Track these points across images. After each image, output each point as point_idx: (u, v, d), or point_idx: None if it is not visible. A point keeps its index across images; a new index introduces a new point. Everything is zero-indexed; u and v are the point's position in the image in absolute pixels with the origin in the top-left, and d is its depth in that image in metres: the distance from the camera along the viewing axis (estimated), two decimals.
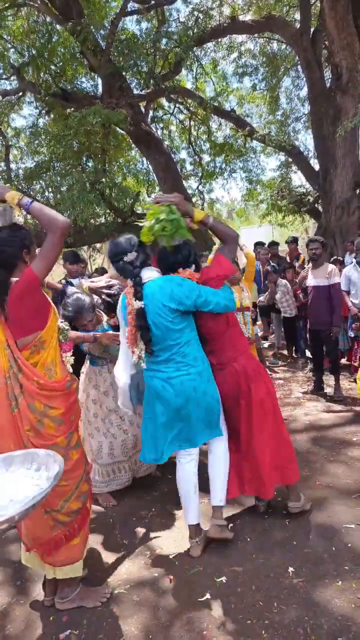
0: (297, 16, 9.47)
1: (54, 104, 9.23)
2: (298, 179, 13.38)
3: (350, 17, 7.41)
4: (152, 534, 2.65)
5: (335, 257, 6.82)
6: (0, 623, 2.05)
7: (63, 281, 4.80)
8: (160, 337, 2.24)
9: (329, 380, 5.09)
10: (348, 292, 5.12)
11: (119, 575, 2.33)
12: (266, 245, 7.58)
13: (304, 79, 9.47)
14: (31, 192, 9.34)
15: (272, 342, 7.53)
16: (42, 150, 8.92)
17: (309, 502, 2.70)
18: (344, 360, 5.81)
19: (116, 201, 8.23)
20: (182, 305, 2.21)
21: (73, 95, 9.07)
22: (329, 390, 4.98)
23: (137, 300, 2.21)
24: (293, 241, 7.88)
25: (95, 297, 3.02)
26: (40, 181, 8.80)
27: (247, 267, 4.49)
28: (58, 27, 8.31)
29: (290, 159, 11.18)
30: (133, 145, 10.55)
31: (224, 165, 12.39)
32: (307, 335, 5.51)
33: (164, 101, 11.40)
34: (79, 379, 3.01)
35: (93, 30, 7.70)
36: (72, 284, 4.70)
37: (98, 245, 12.08)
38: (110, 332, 2.92)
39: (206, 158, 12.75)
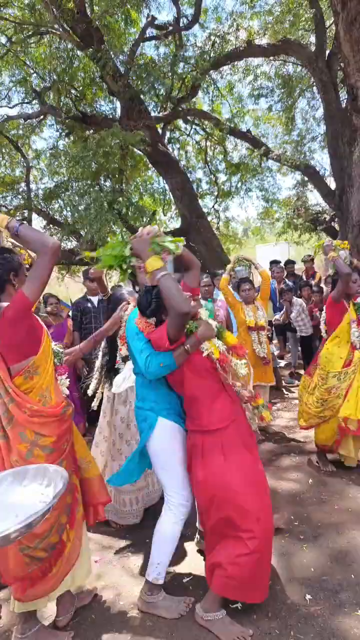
0: (313, 39, 9.61)
1: (73, 127, 9.47)
2: (314, 197, 13.40)
3: None
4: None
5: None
6: None
7: (82, 299, 4.86)
8: None
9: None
10: None
11: (131, 597, 2.30)
12: (282, 264, 7.59)
13: (320, 100, 9.56)
14: (49, 211, 9.54)
15: (288, 361, 7.46)
16: (61, 171, 9.12)
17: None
18: None
19: (133, 220, 8.35)
20: None
21: (92, 118, 9.30)
22: None
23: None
24: (309, 259, 7.90)
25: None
26: (59, 200, 8.98)
27: (261, 285, 4.49)
28: (79, 53, 8.57)
29: (306, 178, 11.23)
30: (150, 165, 10.72)
31: (239, 185, 12.48)
32: None
33: (180, 122, 11.60)
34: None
35: (112, 56, 7.92)
36: (91, 302, 4.76)
37: None
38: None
39: (222, 177, 12.89)
